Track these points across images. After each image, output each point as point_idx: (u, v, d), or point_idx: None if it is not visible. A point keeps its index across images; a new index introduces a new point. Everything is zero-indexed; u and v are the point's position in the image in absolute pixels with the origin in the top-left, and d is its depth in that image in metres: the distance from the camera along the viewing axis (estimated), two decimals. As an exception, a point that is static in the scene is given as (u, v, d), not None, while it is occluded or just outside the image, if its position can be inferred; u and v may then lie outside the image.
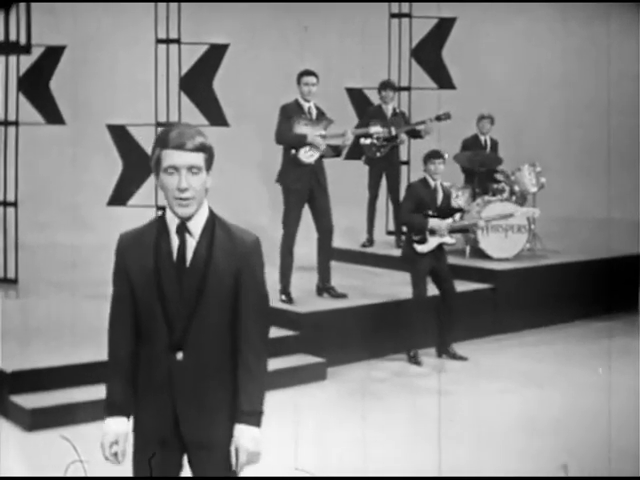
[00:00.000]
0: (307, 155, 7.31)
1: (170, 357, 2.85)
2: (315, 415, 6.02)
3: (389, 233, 9.96)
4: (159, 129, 8.93)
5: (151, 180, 8.88)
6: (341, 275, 7.94)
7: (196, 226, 2.87)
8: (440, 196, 7.27)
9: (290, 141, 7.31)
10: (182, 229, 2.86)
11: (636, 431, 5.72)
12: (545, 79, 11.12)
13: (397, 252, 9.08)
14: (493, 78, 10.86)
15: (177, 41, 8.84)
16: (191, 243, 2.86)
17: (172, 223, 2.86)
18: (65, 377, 5.96)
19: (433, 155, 7.20)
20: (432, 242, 7.20)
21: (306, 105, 7.43)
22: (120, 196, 8.94)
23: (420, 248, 7.19)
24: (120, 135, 8.84)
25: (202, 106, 8.92)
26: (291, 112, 7.34)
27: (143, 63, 8.99)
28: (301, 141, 7.28)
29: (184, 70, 8.91)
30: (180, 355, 2.85)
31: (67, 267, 8.63)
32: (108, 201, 8.94)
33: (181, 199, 2.80)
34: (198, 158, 2.79)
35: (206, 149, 2.82)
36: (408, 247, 7.28)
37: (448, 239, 7.24)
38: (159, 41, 8.83)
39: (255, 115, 10.25)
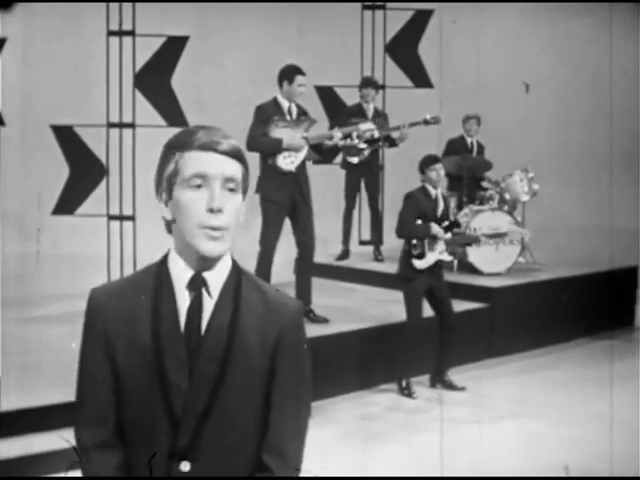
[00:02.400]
0: (287, 162, 6.46)
1: (172, 468, 1.94)
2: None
3: (362, 243, 9.22)
4: (110, 130, 8.17)
5: (101, 187, 8.13)
6: (319, 293, 7.15)
7: (217, 279, 1.96)
8: (441, 207, 6.53)
9: (263, 148, 6.44)
10: (198, 282, 1.94)
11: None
12: (542, 80, 10.54)
13: (376, 265, 8.46)
14: (482, 78, 10.20)
15: (131, 33, 8.02)
16: (207, 305, 1.95)
17: (180, 274, 1.95)
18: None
19: (432, 161, 6.46)
20: (431, 257, 6.46)
21: (286, 104, 6.57)
22: (67, 204, 8.14)
23: (419, 264, 6.45)
24: (66, 137, 8.05)
25: (159, 105, 8.11)
26: (268, 113, 6.47)
27: (93, 57, 8.17)
28: (276, 147, 6.42)
29: (139, 65, 8.07)
30: (187, 466, 1.94)
31: (7, 281, 7.79)
32: (53, 210, 8.12)
33: (212, 228, 1.88)
34: (237, 169, 1.91)
35: (243, 159, 1.94)
36: (406, 263, 6.52)
37: (446, 256, 6.51)
38: (111, 33, 8.00)
39: (215, 115, 9.51)
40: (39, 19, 8.56)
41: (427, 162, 6.47)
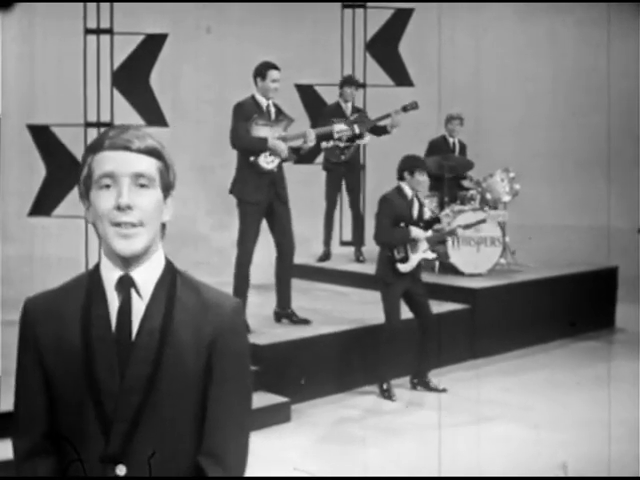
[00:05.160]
0: (267, 161, 6.34)
1: (107, 473, 1.89)
2: (281, 467, 5.17)
3: (343, 244, 9.14)
4: (88, 130, 8.04)
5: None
6: (300, 295, 7.07)
7: (147, 279, 1.92)
8: (416, 208, 6.44)
9: (250, 146, 6.31)
10: (125, 283, 1.91)
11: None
12: (538, 80, 10.48)
13: (357, 266, 8.38)
14: (480, 78, 10.12)
15: (109, 31, 7.88)
16: (139, 306, 1.91)
17: (110, 275, 1.92)
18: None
19: (419, 165, 6.34)
20: (414, 260, 6.36)
21: (264, 102, 6.47)
22: (43, 205, 7.99)
23: (403, 268, 6.34)
24: (43, 137, 7.90)
25: (138, 104, 7.97)
26: (248, 111, 6.37)
27: (70, 56, 8.04)
28: (262, 146, 6.31)
29: (117, 64, 7.94)
30: (122, 471, 1.89)
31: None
32: (30, 211, 7.97)
33: (120, 225, 1.86)
34: (149, 164, 1.89)
35: (161, 156, 1.92)
36: (387, 267, 6.40)
37: (429, 254, 6.41)
38: (88, 31, 7.86)
39: (192, 114, 9.41)
40: (15, 18, 8.43)
41: (414, 166, 6.35)
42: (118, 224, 1.85)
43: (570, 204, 10.01)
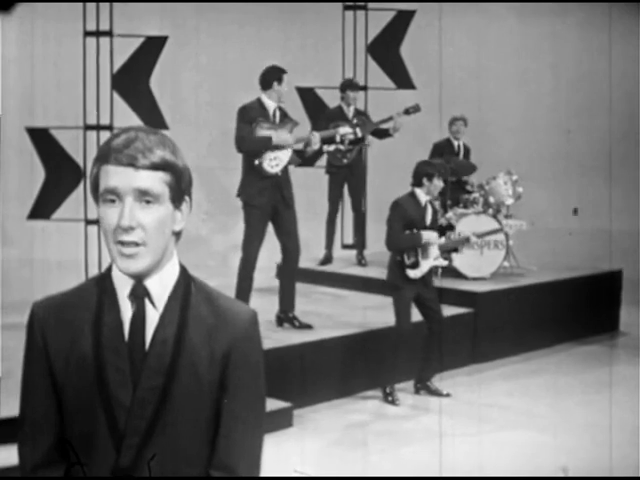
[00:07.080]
0: (272, 165, 6.32)
1: None
2: (282, 472, 5.13)
3: (345, 247, 9.09)
4: (88, 133, 8.00)
5: (79, 191, 7.97)
6: (302, 299, 7.03)
7: (160, 289, 1.86)
8: (430, 214, 6.40)
9: (253, 146, 6.29)
10: (139, 292, 1.85)
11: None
12: (539, 82, 10.43)
13: (359, 270, 8.32)
14: (480, 80, 10.07)
15: (109, 33, 7.84)
16: (152, 315, 1.85)
17: (122, 284, 1.86)
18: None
19: (437, 171, 6.31)
20: (425, 266, 6.31)
21: (271, 106, 6.44)
22: (43, 209, 7.94)
23: (413, 273, 6.30)
24: (42, 139, 7.84)
25: (138, 107, 7.93)
26: (253, 114, 6.34)
27: (69, 58, 8.01)
28: (267, 144, 6.28)
29: (117, 66, 7.89)
30: None
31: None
32: (29, 214, 7.92)
33: (122, 244, 1.79)
34: (154, 180, 1.80)
35: (171, 167, 1.82)
36: (397, 272, 6.35)
37: (441, 261, 6.38)
38: (88, 33, 7.81)
39: (193, 116, 9.37)
40: (15, 20, 8.40)
41: (436, 170, 6.32)
42: (121, 242, 1.80)
43: (572, 207, 9.96)
